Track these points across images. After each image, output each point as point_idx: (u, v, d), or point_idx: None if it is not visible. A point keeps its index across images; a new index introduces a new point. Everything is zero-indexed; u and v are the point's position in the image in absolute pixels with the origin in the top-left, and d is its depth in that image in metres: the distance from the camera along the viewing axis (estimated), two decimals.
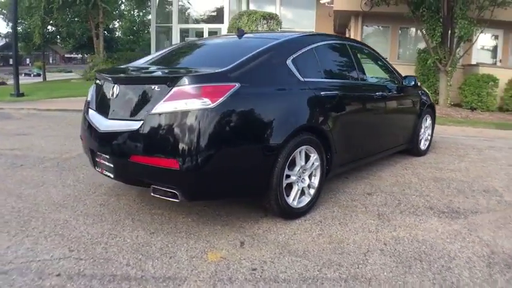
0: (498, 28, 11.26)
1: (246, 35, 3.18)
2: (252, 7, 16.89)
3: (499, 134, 6.71)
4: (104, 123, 2.53)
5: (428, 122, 4.64)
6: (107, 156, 2.49)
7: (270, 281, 1.93)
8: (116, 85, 2.54)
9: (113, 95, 2.55)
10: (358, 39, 12.87)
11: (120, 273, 1.96)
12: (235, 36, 3.20)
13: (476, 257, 2.20)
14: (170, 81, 2.26)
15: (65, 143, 4.85)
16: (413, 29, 13.11)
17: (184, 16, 19.35)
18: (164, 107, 2.22)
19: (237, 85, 2.29)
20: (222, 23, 18.11)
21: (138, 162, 2.31)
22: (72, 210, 2.75)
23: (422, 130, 4.49)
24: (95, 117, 2.66)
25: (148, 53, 18.35)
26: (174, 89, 2.22)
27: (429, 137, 4.73)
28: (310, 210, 2.78)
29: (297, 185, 2.65)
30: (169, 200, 2.38)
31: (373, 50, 3.98)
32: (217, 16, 18.74)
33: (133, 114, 2.39)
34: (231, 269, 2.03)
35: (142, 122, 2.29)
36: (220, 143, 2.23)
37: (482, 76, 9.49)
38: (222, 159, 2.25)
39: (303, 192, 2.72)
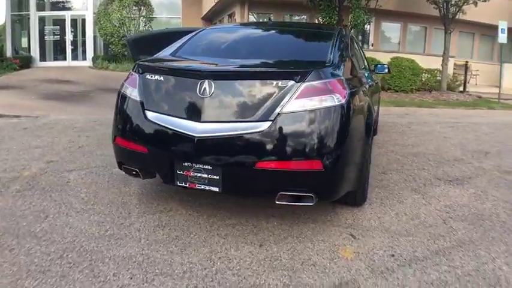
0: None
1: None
2: None
3: (403, 111, 8.29)
4: (197, 128, 2.16)
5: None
6: (208, 167, 2.17)
7: (417, 260, 2.17)
8: (208, 81, 2.18)
9: (203, 93, 2.19)
10: None
11: None
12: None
13: (506, 212, 2.92)
14: (299, 76, 2.13)
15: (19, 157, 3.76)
16: (297, 17, 14.41)
17: (43, 2, 16.42)
18: (297, 104, 2.09)
19: (343, 78, 2.36)
20: (86, 9, 16.41)
21: (267, 169, 2.11)
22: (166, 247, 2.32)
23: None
24: (170, 121, 2.24)
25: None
26: (305, 85, 2.12)
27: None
28: None
29: None
30: (282, 205, 2.27)
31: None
32: (80, 1, 16.67)
33: (249, 114, 2.13)
34: (377, 260, 2.16)
35: (270, 122, 2.08)
36: (351, 139, 2.26)
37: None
38: (352, 155, 2.30)
39: None
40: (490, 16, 13.11)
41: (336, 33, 2.90)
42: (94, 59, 15.81)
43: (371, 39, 14.96)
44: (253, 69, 2.44)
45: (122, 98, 2.52)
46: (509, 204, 3.02)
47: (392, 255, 2.23)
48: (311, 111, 2.11)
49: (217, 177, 2.17)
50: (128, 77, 2.61)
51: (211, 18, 18.58)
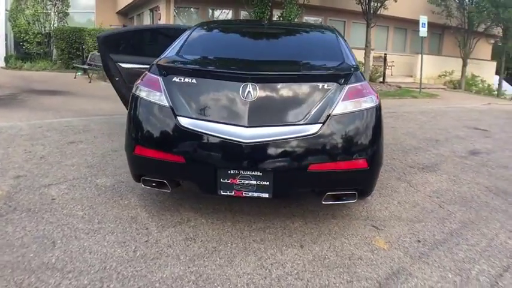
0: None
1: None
2: None
3: None
4: (245, 133, 2.06)
5: None
6: (258, 174, 2.10)
7: (440, 243, 2.41)
8: (251, 84, 2.10)
9: (248, 96, 2.10)
10: (171, 21, 13.03)
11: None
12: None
13: (483, 193, 3.38)
14: (343, 78, 2.19)
15: None
16: (225, 10, 14.34)
17: None
18: (344, 106, 2.15)
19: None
20: None
21: (320, 171, 2.12)
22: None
23: None
24: (211, 127, 2.11)
25: None
26: (349, 87, 2.19)
27: None
28: None
29: None
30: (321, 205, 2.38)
31: None
32: None
33: (297, 117, 2.12)
34: (409, 247, 2.35)
35: (321, 125, 2.10)
36: (382, 136, 2.38)
37: None
38: (382, 151, 2.43)
39: None
40: (404, 10, 14.64)
41: (337, 34, 3.01)
42: (7, 59, 14.51)
43: None
44: (298, 72, 2.43)
45: (141, 102, 2.29)
46: (481, 186, 3.52)
47: (419, 241, 2.45)
48: (356, 112, 2.19)
49: (268, 183, 2.12)
50: (142, 79, 2.37)
51: (127, 12, 17.97)
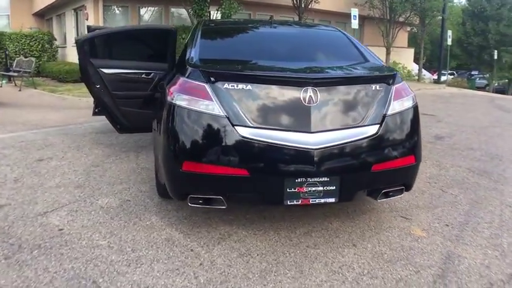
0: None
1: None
2: None
3: None
4: (311, 140, 2.01)
5: None
6: (325, 179, 2.06)
7: (465, 224, 2.65)
8: (311, 88, 2.05)
9: (309, 101, 2.05)
10: (100, 20, 12.11)
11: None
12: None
13: (469, 174, 3.76)
14: (390, 79, 2.26)
15: None
16: (154, 8, 13.66)
17: None
18: (395, 106, 2.23)
19: None
20: None
21: (380, 170, 2.17)
22: None
23: None
24: (275, 136, 2.00)
25: None
26: (395, 87, 2.27)
27: None
28: None
29: None
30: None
31: None
32: None
33: (356, 119, 2.14)
34: (444, 232, 2.54)
35: (378, 125, 2.14)
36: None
37: None
38: None
39: None
40: (329, 3, 15.40)
41: (344, 33, 3.08)
42: None
43: None
44: (352, 74, 2.42)
45: (185, 113, 2.07)
46: (464, 168, 3.93)
47: (447, 225, 2.66)
48: (403, 111, 2.28)
49: (334, 187, 2.10)
50: (180, 86, 2.15)
51: (44, 13, 16.36)
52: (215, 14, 11.24)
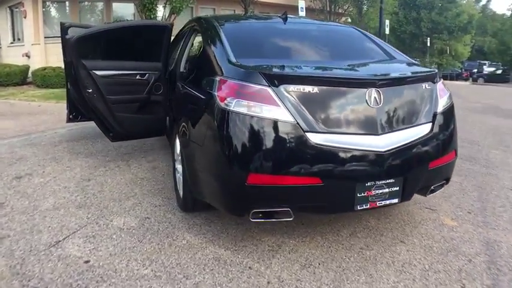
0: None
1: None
2: None
3: None
4: (380, 142, 1.97)
5: None
6: (391, 181, 2.03)
7: (483, 210, 2.82)
8: (375, 89, 2.00)
9: (374, 102, 2.00)
10: (39, 19, 10.87)
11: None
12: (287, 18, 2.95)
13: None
14: (435, 77, 2.32)
15: None
16: (98, 3, 12.54)
17: None
18: (441, 103, 2.28)
19: None
20: None
21: (435, 167, 2.20)
22: None
23: None
24: (345, 140, 1.92)
25: None
26: (438, 85, 2.32)
27: None
28: None
29: None
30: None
31: None
32: None
33: (413, 118, 2.14)
34: (471, 219, 2.68)
35: (431, 123, 2.18)
36: None
37: None
38: None
39: None
40: None
41: (360, 30, 3.06)
42: None
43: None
44: (408, 73, 2.37)
45: (248, 120, 1.87)
46: None
47: (469, 212, 2.82)
48: (446, 108, 2.33)
49: (398, 188, 2.07)
50: (234, 90, 1.94)
51: None
52: (164, 8, 10.65)
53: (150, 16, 9.40)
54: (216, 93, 2.00)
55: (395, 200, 2.13)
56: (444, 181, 2.43)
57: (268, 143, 1.87)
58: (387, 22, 18.74)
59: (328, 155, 1.89)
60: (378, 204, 2.08)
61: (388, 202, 2.10)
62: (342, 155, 1.91)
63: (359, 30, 3.06)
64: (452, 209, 2.88)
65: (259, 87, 1.90)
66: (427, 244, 2.37)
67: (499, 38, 30.87)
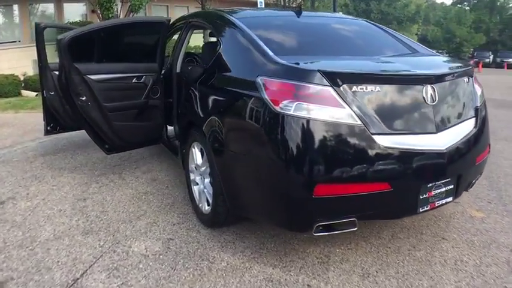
0: None
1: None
2: None
3: None
4: (439, 141, 1.87)
5: None
6: (447, 180, 1.95)
7: (501, 199, 2.88)
8: (430, 86, 1.90)
9: (431, 99, 1.89)
10: None
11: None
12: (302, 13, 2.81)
13: None
14: (472, 71, 2.31)
15: None
16: (48, 5, 11.45)
17: None
18: (479, 98, 2.27)
19: None
20: None
21: (479, 162, 2.17)
22: None
23: None
24: (408, 141, 1.80)
25: None
26: (474, 79, 2.30)
27: None
28: None
29: None
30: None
31: None
32: None
33: (461, 113, 2.09)
34: (493, 209, 2.71)
35: (475, 118, 2.14)
36: None
37: None
38: None
39: None
40: None
41: (372, 23, 2.97)
42: None
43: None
44: (454, 68, 2.25)
45: (312, 125, 1.67)
46: None
47: (490, 202, 2.86)
48: (483, 102, 2.31)
49: (452, 186, 2.00)
50: (290, 91, 1.72)
51: None
52: (121, 7, 9.99)
53: (108, 15, 8.72)
54: (266, 96, 1.78)
55: (450, 199, 2.06)
56: (479, 174, 2.42)
57: (336, 149, 1.69)
58: (341, 14, 19.28)
59: (395, 157, 1.76)
60: (436, 205, 1.99)
61: (444, 201, 2.03)
62: (408, 157, 1.79)
63: (370, 22, 2.99)
64: (472, 199, 2.90)
65: (320, 87, 1.70)
66: (467, 239, 2.34)
67: (444, 27, 32.72)
